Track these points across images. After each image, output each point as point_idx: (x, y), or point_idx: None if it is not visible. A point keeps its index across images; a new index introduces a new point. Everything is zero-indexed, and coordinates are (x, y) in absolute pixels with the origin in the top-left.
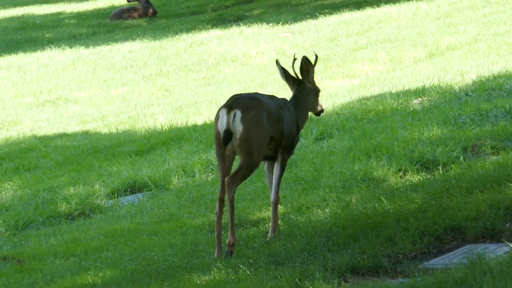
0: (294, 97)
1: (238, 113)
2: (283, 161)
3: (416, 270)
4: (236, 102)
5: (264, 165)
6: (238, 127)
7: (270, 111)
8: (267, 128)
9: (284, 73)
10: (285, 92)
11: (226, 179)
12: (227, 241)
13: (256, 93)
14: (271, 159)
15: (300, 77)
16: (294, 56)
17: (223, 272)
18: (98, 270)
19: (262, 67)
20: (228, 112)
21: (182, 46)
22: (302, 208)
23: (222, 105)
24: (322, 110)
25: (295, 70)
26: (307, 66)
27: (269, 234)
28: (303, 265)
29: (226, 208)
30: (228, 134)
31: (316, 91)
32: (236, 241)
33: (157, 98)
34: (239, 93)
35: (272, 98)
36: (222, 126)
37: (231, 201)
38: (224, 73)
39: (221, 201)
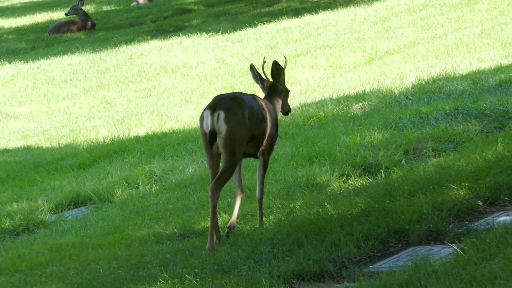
0: (268, 98)
1: (222, 114)
2: (265, 160)
3: (361, 274)
4: (219, 103)
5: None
6: (222, 127)
7: (253, 111)
8: (249, 128)
9: (258, 76)
10: None
11: (211, 185)
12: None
13: (240, 93)
14: (253, 156)
15: (271, 80)
16: (263, 59)
17: (169, 282)
18: (43, 285)
19: (203, 77)
20: (212, 113)
21: (122, 58)
22: (247, 216)
23: (206, 106)
24: (290, 110)
25: (265, 72)
26: (277, 70)
27: (257, 225)
28: (249, 272)
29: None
30: (213, 134)
31: (287, 92)
32: (213, 245)
33: (98, 110)
34: (221, 93)
35: (255, 97)
36: (207, 126)
37: (214, 207)
38: (165, 84)
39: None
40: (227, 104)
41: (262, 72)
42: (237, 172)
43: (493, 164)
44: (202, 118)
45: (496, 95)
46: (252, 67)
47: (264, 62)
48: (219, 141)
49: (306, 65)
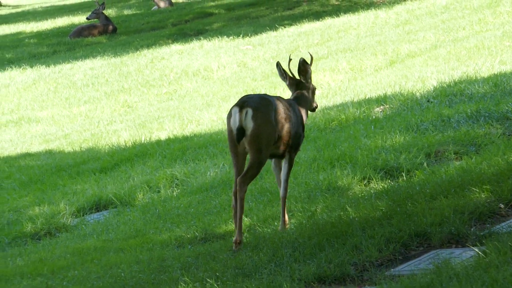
0: (295, 97)
1: (250, 111)
2: (290, 159)
3: (383, 277)
4: (247, 101)
5: (271, 164)
6: (249, 124)
7: (278, 111)
8: (275, 127)
9: (285, 74)
10: None
11: (238, 179)
12: (234, 239)
13: (265, 94)
14: (279, 157)
15: (298, 78)
16: (289, 57)
17: (190, 286)
18: None
19: (224, 80)
20: (240, 111)
21: (143, 61)
22: (268, 219)
23: (234, 104)
24: (317, 106)
25: (292, 71)
26: (304, 67)
27: (279, 228)
28: (270, 276)
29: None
30: (241, 131)
31: (314, 89)
32: (242, 239)
33: (119, 114)
34: (248, 94)
35: (280, 99)
36: (235, 123)
37: (242, 199)
38: (186, 88)
39: (236, 195)
40: (255, 103)
41: (288, 70)
42: (278, 173)
43: None
44: (229, 115)
45: None
46: (278, 65)
47: (290, 60)
48: (246, 139)
49: (327, 68)
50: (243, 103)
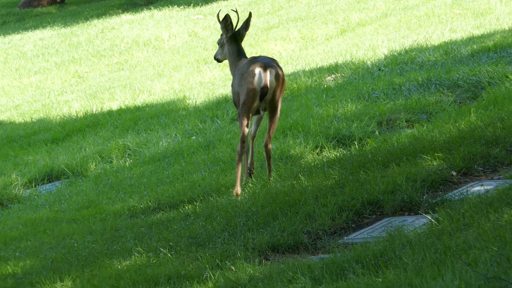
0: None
1: (274, 71)
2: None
3: (336, 246)
4: (268, 62)
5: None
6: (273, 84)
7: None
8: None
9: (231, 26)
10: (198, 75)
11: (267, 140)
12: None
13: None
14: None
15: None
16: (235, 10)
17: (144, 256)
18: (18, 260)
19: (175, 50)
20: (265, 71)
21: (94, 32)
22: (221, 188)
23: (253, 64)
24: None
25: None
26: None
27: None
28: (224, 245)
29: None
30: (265, 89)
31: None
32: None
33: (70, 85)
34: (256, 55)
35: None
36: (259, 82)
37: (269, 158)
38: (137, 58)
39: (243, 141)
40: (273, 63)
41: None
42: (256, 124)
43: (467, 134)
44: (253, 75)
45: (468, 65)
46: (227, 16)
47: (235, 11)
48: (268, 96)
49: (278, 37)
50: (265, 64)
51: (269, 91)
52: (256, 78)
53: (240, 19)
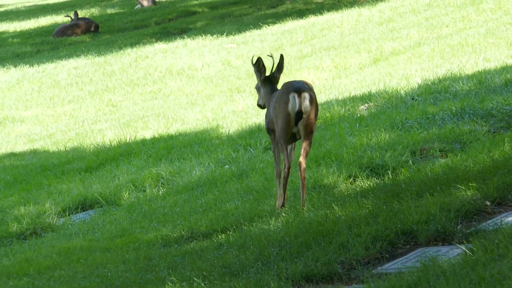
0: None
1: (307, 96)
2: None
3: (370, 276)
4: (302, 87)
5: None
6: (308, 108)
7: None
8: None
9: (263, 69)
10: (231, 103)
11: (302, 161)
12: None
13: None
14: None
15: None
16: (271, 55)
17: (177, 285)
18: None
19: (208, 79)
20: (299, 96)
21: (127, 60)
22: (254, 218)
23: (286, 90)
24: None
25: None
26: (283, 63)
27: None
28: (257, 275)
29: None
30: (300, 114)
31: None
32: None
33: (104, 113)
34: (289, 80)
35: None
36: (293, 107)
37: (304, 178)
38: (171, 86)
39: (289, 168)
40: (308, 88)
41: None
42: (292, 152)
43: (501, 164)
44: (287, 100)
45: (502, 94)
46: (259, 60)
47: (271, 56)
48: (303, 121)
49: (311, 66)
50: (299, 89)
51: (304, 115)
52: (290, 103)
53: (275, 62)
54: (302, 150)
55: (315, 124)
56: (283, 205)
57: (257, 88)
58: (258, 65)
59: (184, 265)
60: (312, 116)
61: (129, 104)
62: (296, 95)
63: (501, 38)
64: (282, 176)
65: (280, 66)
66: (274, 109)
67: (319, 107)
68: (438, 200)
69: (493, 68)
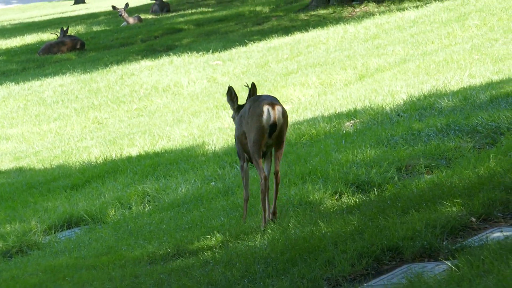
0: None
1: (280, 108)
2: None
3: None
4: (273, 100)
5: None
6: (280, 120)
7: None
8: None
9: (235, 98)
10: (217, 120)
11: (276, 170)
12: (272, 211)
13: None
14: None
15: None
16: (246, 84)
17: None
18: None
19: (194, 96)
20: (273, 108)
21: (113, 78)
22: (240, 235)
23: (260, 102)
24: None
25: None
26: (255, 90)
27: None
28: None
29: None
30: (274, 126)
31: None
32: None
33: (90, 131)
34: (260, 94)
35: None
36: (268, 120)
37: (278, 185)
38: (156, 103)
39: (266, 179)
40: (278, 101)
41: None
42: (269, 163)
43: (486, 180)
44: (261, 112)
45: (487, 111)
46: (230, 89)
47: (247, 86)
48: (276, 133)
49: (297, 83)
50: (271, 102)
51: (277, 127)
52: (265, 116)
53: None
54: (276, 160)
55: (285, 137)
56: (270, 218)
57: (233, 118)
58: (230, 95)
59: (170, 283)
60: (284, 128)
61: (115, 121)
62: (270, 108)
63: (486, 54)
64: (260, 189)
65: (252, 94)
66: (246, 124)
67: (305, 124)
68: (423, 216)
69: (478, 84)
